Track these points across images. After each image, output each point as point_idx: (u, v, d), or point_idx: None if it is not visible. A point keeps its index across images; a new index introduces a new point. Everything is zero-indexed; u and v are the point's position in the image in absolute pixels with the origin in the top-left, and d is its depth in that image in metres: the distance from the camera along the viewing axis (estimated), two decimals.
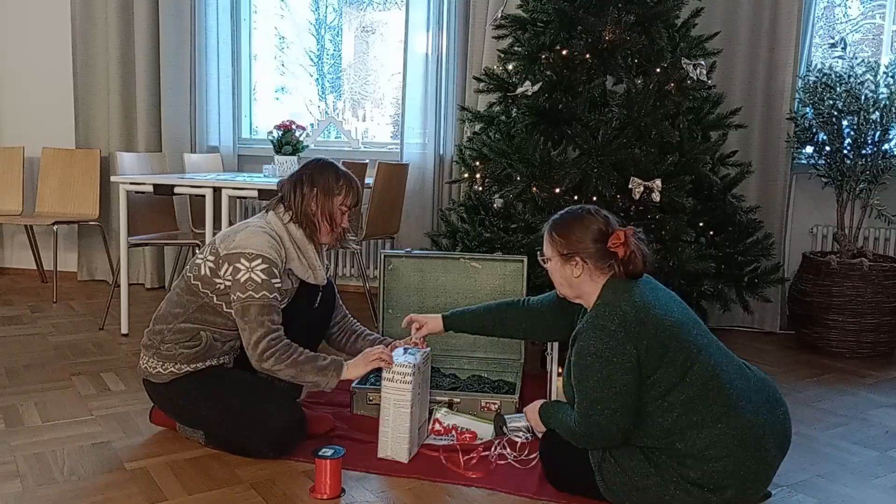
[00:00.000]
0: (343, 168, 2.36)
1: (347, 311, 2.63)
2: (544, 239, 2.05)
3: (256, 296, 2.15)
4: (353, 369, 2.25)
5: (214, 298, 2.22)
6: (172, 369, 2.26)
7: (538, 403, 2.12)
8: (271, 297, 2.17)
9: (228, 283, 2.19)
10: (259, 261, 2.16)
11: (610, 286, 1.95)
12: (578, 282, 1.98)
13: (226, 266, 2.19)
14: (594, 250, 1.94)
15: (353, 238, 2.53)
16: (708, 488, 1.84)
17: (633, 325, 1.84)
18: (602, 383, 1.84)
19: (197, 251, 2.33)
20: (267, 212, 2.33)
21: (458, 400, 2.54)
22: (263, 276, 2.16)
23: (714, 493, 1.84)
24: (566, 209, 2.05)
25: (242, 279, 2.16)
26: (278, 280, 2.20)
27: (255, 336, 2.15)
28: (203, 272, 2.23)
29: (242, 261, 2.16)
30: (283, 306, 2.28)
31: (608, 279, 1.96)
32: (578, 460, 1.97)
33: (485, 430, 2.40)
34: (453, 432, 2.39)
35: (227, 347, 2.32)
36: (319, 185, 2.29)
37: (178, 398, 2.29)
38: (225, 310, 2.24)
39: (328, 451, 2.03)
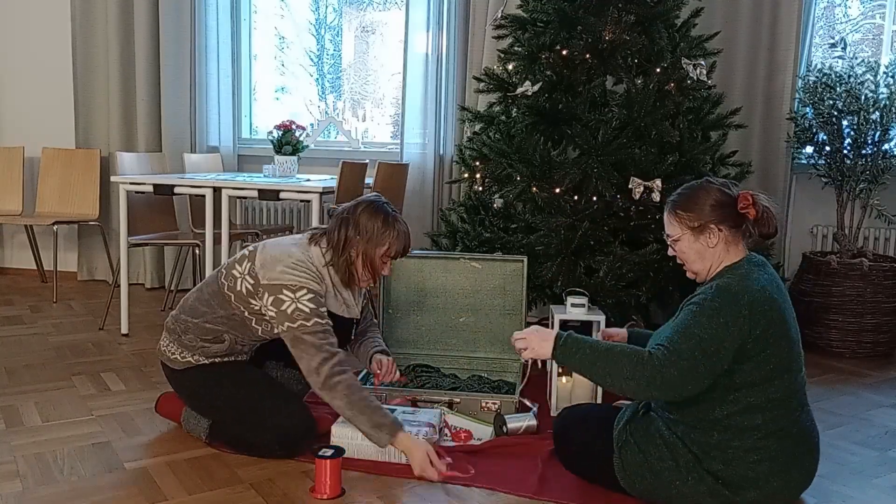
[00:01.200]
0: (394, 213, 2.25)
1: (374, 319, 2.62)
2: (666, 221, 1.99)
3: (308, 324, 2.12)
4: (408, 444, 2.11)
5: (246, 313, 2.22)
6: (189, 359, 2.27)
7: (552, 332, 1.95)
8: (323, 322, 2.14)
9: (272, 314, 2.16)
10: (304, 291, 2.13)
11: (745, 263, 1.89)
12: (714, 252, 1.91)
13: (266, 296, 2.15)
14: (725, 215, 1.90)
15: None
16: (725, 483, 1.83)
17: (758, 310, 1.79)
18: (703, 340, 1.77)
19: (237, 254, 2.27)
20: (311, 243, 2.26)
21: (458, 400, 2.54)
22: (311, 305, 2.13)
23: (729, 490, 1.83)
24: (680, 188, 2.00)
25: (290, 310, 2.12)
26: (325, 308, 2.18)
27: (315, 362, 2.10)
28: (239, 288, 2.20)
29: (286, 292, 2.13)
30: None
31: (742, 257, 1.91)
32: (597, 440, 1.98)
33: (482, 432, 2.41)
34: (447, 431, 2.39)
35: (247, 349, 2.33)
36: (364, 233, 2.20)
37: (193, 385, 2.30)
38: (254, 325, 2.24)
39: (328, 451, 2.03)
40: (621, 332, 2.27)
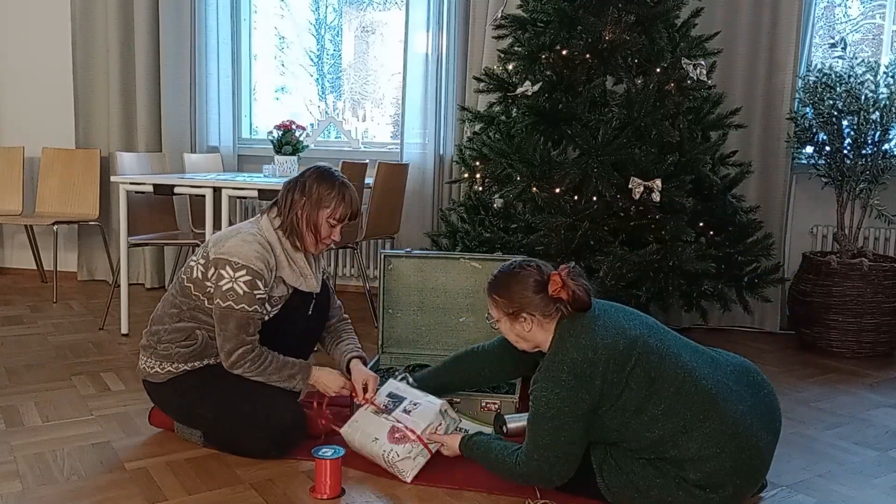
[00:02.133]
0: (343, 180, 2.30)
1: (345, 314, 2.60)
2: (488, 302, 2.06)
3: (236, 307, 2.15)
4: (325, 378, 2.25)
5: (206, 302, 2.22)
6: (170, 368, 2.26)
7: (458, 436, 2.12)
8: (251, 310, 2.16)
9: (211, 289, 2.19)
10: (244, 272, 2.15)
11: (560, 328, 1.94)
12: (531, 335, 1.99)
13: (212, 270, 2.19)
14: (538, 301, 1.95)
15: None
16: (709, 488, 1.85)
17: (583, 369, 1.85)
18: (551, 432, 1.87)
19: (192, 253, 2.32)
20: (262, 215, 2.32)
21: (458, 400, 2.54)
22: (245, 289, 2.15)
23: (715, 492, 1.85)
24: (499, 269, 2.06)
25: (224, 287, 2.15)
26: (262, 292, 2.18)
27: (228, 346, 2.17)
28: (195, 275, 2.23)
29: (228, 269, 2.16)
30: (275, 312, 2.28)
31: (558, 322, 1.96)
32: (583, 462, 1.97)
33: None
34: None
35: None
36: (310, 195, 2.25)
37: (177, 397, 2.29)
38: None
39: (328, 451, 2.03)
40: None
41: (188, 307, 2.25)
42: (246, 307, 2.15)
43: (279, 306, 2.30)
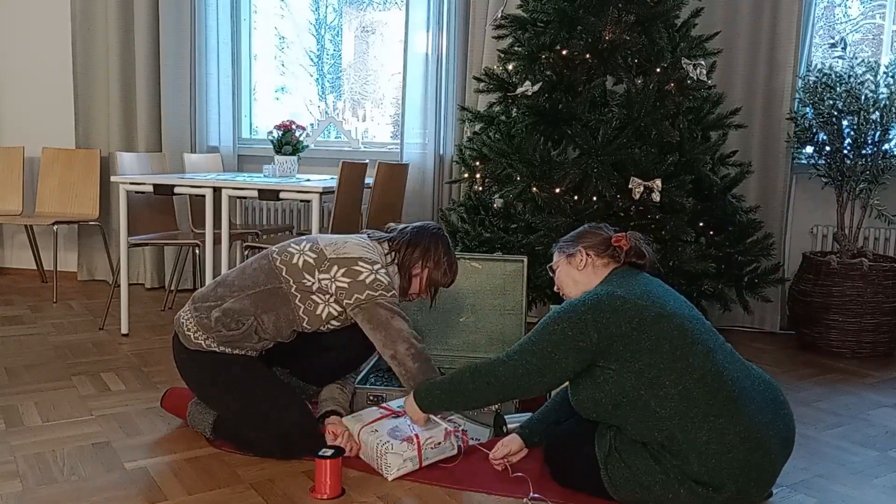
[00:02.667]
0: (454, 252, 2.43)
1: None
2: (553, 256, 2.17)
3: (388, 294, 2.19)
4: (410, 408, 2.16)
5: (294, 289, 2.22)
6: (202, 342, 2.24)
7: (410, 397, 2.11)
8: (389, 295, 2.20)
9: (341, 285, 2.19)
10: (379, 265, 2.23)
11: (606, 279, 2.02)
12: (583, 275, 2.05)
13: (336, 268, 2.20)
14: (595, 243, 2.07)
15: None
16: (711, 486, 1.84)
17: (604, 313, 1.88)
18: (546, 344, 1.90)
19: (290, 240, 2.35)
20: (374, 240, 2.36)
21: None
22: (387, 279, 2.21)
23: (717, 492, 1.84)
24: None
25: (368, 280, 2.18)
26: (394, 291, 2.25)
27: (395, 334, 2.16)
28: (296, 261, 2.24)
29: (362, 264, 2.20)
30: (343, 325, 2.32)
31: (610, 272, 2.03)
32: (584, 456, 1.98)
33: (480, 432, 2.41)
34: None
35: (259, 346, 2.29)
36: (432, 257, 2.35)
37: (202, 369, 2.27)
38: (295, 304, 2.23)
39: (328, 452, 2.03)
40: (516, 441, 2.23)
41: (266, 287, 2.23)
42: (396, 293, 2.22)
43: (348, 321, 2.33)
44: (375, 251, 2.31)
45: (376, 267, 2.22)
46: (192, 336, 2.26)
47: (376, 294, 2.18)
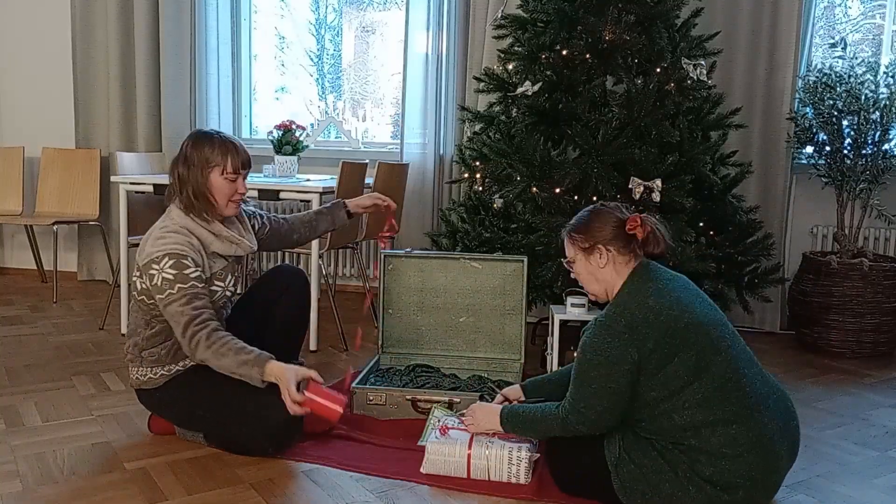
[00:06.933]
0: (220, 134, 2.30)
1: (283, 216, 2.62)
2: (564, 244, 2.07)
3: (173, 291, 2.14)
4: (278, 371, 2.11)
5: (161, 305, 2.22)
6: (163, 372, 2.28)
7: (496, 407, 2.13)
8: (187, 286, 2.15)
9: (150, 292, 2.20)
10: (165, 259, 2.16)
11: (633, 279, 1.96)
12: (604, 273, 1.99)
13: (145, 277, 2.20)
14: (614, 236, 1.97)
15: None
16: (720, 486, 1.84)
17: (640, 328, 1.85)
18: (598, 380, 1.87)
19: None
20: (169, 207, 2.30)
21: (458, 400, 2.54)
22: (173, 272, 2.15)
23: (725, 492, 1.84)
24: (578, 213, 2.08)
25: (158, 282, 2.16)
26: (193, 269, 2.17)
27: (180, 328, 2.14)
28: (140, 287, 2.24)
29: (153, 266, 2.16)
30: (231, 283, 2.33)
31: (633, 271, 1.97)
32: (590, 460, 1.97)
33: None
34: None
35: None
36: (194, 162, 2.24)
37: (174, 402, 2.30)
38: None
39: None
40: (515, 390, 2.31)
41: (152, 315, 2.26)
42: (182, 285, 2.14)
43: (230, 275, 2.32)
44: (172, 222, 2.22)
45: (163, 264, 2.14)
46: (153, 377, 2.29)
47: (163, 296, 2.15)
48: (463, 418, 2.19)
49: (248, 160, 2.32)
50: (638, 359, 1.85)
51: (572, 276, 2.10)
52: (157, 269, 2.16)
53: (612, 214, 2.00)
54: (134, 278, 2.27)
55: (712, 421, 1.84)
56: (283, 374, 2.09)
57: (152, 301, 2.22)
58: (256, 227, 2.51)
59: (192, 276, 2.16)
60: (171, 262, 2.15)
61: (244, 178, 2.32)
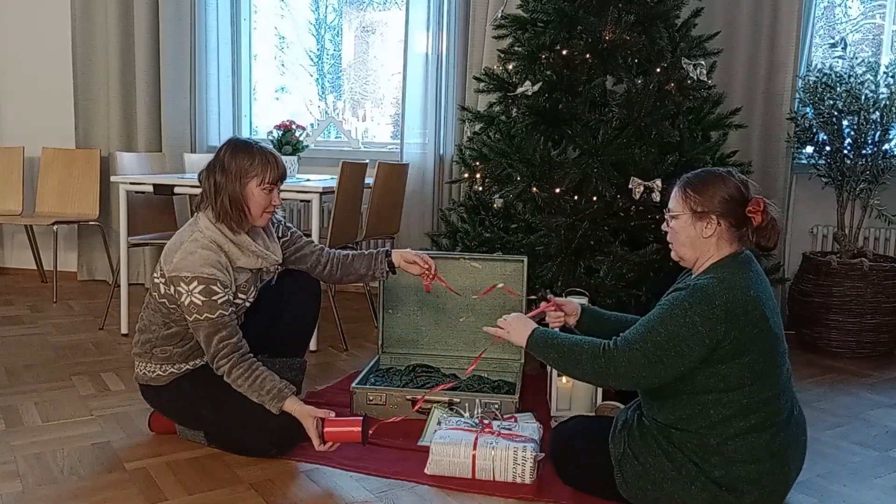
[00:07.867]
0: (259, 144, 2.26)
1: (319, 245, 2.56)
2: (673, 195, 1.93)
3: (201, 318, 2.14)
4: (297, 409, 2.15)
5: (184, 312, 2.20)
6: (172, 370, 2.27)
7: (532, 324, 2.01)
8: (215, 316, 2.14)
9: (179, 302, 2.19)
10: (195, 283, 2.13)
11: (733, 262, 1.86)
12: (705, 243, 1.87)
13: (171, 287, 2.18)
14: (731, 210, 1.85)
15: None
16: (727, 488, 1.83)
17: (736, 312, 1.77)
18: (671, 335, 1.78)
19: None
20: (198, 213, 2.27)
21: (458, 400, 2.54)
22: (202, 298, 2.13)
23: (732, 495, 1.83)
24: (702, 169, 1.95)
25: (186, 303, 2.14)
26: (221, 295, 2.15)
27: (208, 356, 2.17)
28: (164, 292, 2.21)
29: (182, 284, 2.14)
30: (253, 295, 2.32)
31: (733, 253, 1.87)
32: (593, 456, 1.97)
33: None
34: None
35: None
36: (231, 171, 2.20)
37: (178, 399, 2.29)
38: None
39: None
40: (572, 304, 2.21)
41: (172, 318, 2.24)
42: (209, 315, 2.13)
43: (253, 287, 2.32)
44: (201, 234, 2.19)
45: (192, 287, 2.11)
46: (161, 374, 2.29)
47: (191, 319, 2.15)
48: (499, 322, 2.07)
49: (285, 172, 2.29)
50: (722, 338, 1.76)
51: (664, 227, 1.97)
52: (185, 290, 2.13)
53: (738, 188, 1.86)
54: (155, 280, 2.23)
55: (743, 426, 1.82)
56: (302, 417, 2.14)
57: (174, 306, 2.21)
58: (279, 237, 2.47)
59: (220, 301, 2.14)
60: (200, 287, 2.12)
61: (279, 190, 2.30)
